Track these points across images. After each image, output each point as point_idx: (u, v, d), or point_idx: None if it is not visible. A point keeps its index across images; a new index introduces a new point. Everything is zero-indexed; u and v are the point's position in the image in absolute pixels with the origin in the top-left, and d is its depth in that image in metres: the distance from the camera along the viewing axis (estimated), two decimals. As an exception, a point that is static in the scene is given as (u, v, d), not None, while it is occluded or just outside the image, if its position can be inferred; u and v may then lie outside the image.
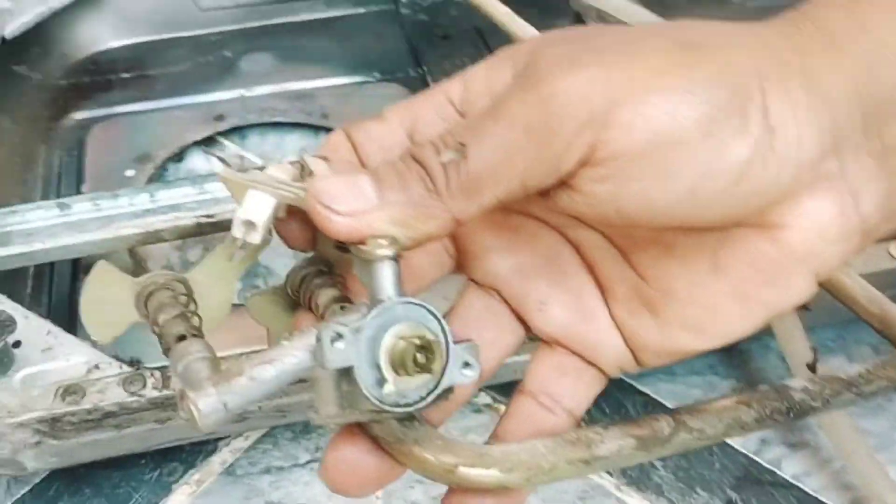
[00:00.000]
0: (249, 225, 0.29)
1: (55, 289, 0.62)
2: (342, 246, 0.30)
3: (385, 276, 0.27)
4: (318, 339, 0.26)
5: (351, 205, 0.27)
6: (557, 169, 0.26)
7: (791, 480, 0.52)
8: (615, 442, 0.29)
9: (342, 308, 0.31)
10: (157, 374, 0.47)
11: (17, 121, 0.71)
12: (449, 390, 0.28)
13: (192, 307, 0.31)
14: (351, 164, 0.31)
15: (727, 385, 0.57)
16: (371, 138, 0.31)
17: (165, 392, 0.47)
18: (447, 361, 0.27)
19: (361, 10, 0.85)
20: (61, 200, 0.59)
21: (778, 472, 0.53)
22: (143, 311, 0.31)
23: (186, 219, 0.58)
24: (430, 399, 0.27)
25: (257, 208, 0.29)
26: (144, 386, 0.47)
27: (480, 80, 0.30)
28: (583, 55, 0.27)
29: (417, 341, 0.26)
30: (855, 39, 0.27)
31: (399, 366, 0.26)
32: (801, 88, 0.27)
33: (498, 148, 0.26)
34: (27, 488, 0.53)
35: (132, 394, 0.46)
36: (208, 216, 0.58)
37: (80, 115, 0.75)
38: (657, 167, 0.26)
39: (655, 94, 0.26)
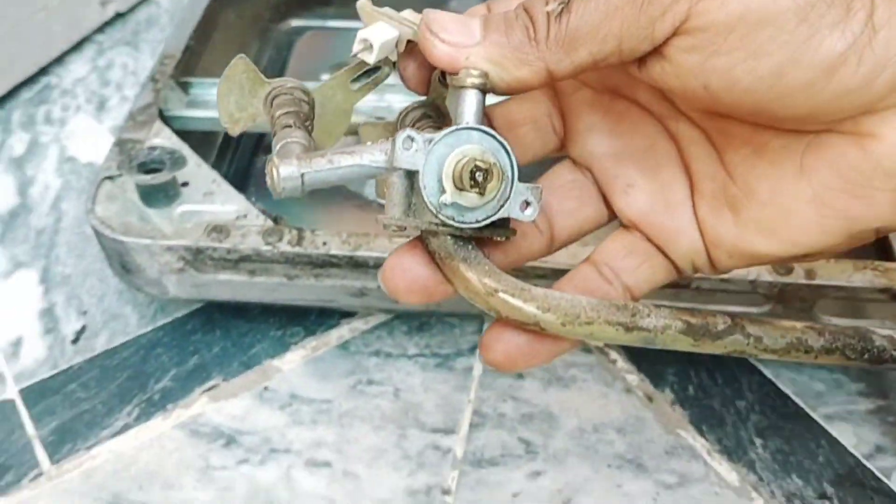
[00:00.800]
0: (367, 44, 0.31)
1: (237, 158, 0.68)
2: (444, 81, 0.32)
3: (468, 103, 0.29)
4: (393, 141, 0.29)
5: (456, 37, 0.29)
6: (652, 34, 0.27)
7: (898, 493, 0.49)
8: (662, 319, 0.29)
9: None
10: (295, 232, 0.51)
11: (242, 16, 0.78)
12: (509, 229, 0.30)
13: (309, 115, 0.34)
14: None
15: (855, 388, 0.54)
16: (507, 5, 0.32)
17: (298, 249, 0.50)
18: (509, 194, 0.28)
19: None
20: (257, 81, 0.65)
21: (886, 480, 0.50)
22: (268, 108, 0.34)
23: (358, 116, 0.62)
24: (484, 222, 0.29)
25: (378, 33, 0.31)
26: (280, 239, 0.51)
27: None
28: None
29: (480, 163, 0.28)
30: None
31: (458, 180, 0.28)
32: None
33: (600, 6, 0.27)
34: (169, 319, 0.58)
35: (268, 243, 0.51)
36: (380, 118, 0.62)
37: (295, 23, 0.81)
38: (745, 44, 0.26)
39: None
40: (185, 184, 0.55)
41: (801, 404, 0.53)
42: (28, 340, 0.57)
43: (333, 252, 0.51)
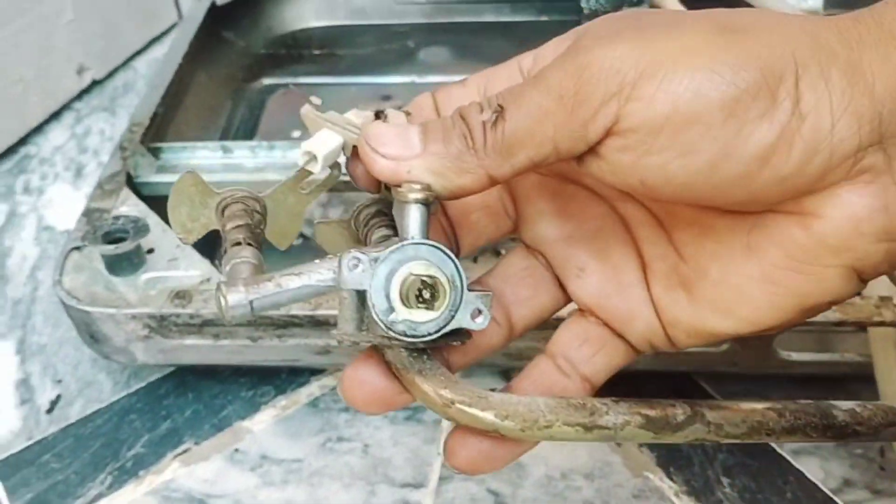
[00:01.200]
0: (311, 156, 0.32)
1: (207, 221, 0.69)
2: (389, 188, 0.32)
3: (413, 217, 0.29)
4: (339, 262, 0.29)
5: (395, 150, 0.29)
6: (585, 136, 0.27)
7: (869, 528, 0.49)
8: (621, 416, 0.29)
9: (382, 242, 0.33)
10: (256, 294, 0.52)
11: (213, 77, 0.79)
12: (463, 334, 0.31)
13: (261, 223, 0.34)
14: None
15: None
16: (451, 99, 0.33)
17: (259, 311, 0.51)
18: (459, 304, 0.29)
19: (545, 18, 0.88)
20: (225, 143, 0.66)
21: (855, 515, 0.50)
22: (219, 218, 0.34)
23: (325, 173, 0.62)
24: (436, 336, 0.29)
25: (322, 143, 0.32)
26: (242, 302, 0.51)
27: (549, 52, 0.32)
28: (625, 31, 0.28)
29: (426, 279, 0.28)
30: None
31: (406, 298, 0.28)
32: (842, 78, 0.26)
33: (532, 112, 0.28)
34: (142, 384, 0.59)
35: (230, 307, 0.51)
36: (345, 173, 0.63)
37: (267, 81, 0.83)
38: (675, 142, 0.26)
39: (681, 72, 0.26)
40: (150, 250, 0.56)
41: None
42: (3, 412, 0.58)
43: (294, 312, 0.51)
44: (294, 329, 0.52)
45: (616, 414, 0.29)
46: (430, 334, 0.29)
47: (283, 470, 0.53)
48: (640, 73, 0.26)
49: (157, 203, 0.61)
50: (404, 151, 0.29)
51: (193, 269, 0.54)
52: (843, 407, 0.31)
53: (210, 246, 0.66)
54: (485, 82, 0.33)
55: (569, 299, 0.34)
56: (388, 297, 0.28)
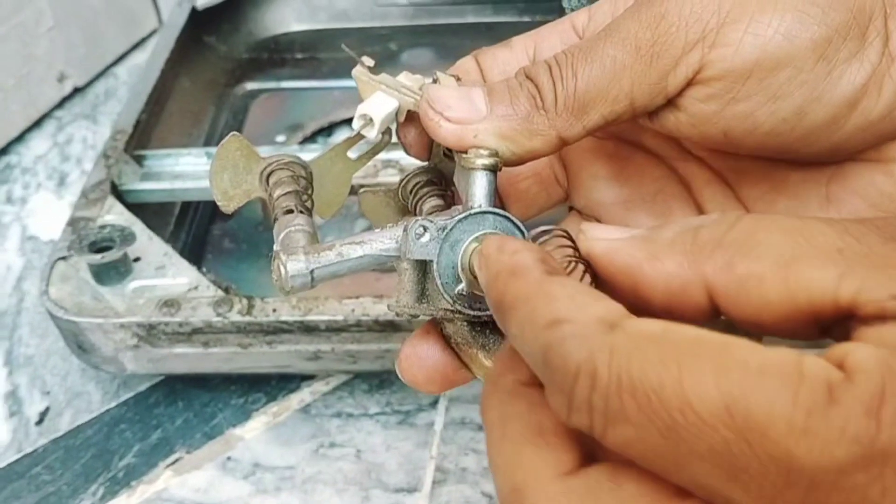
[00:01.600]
0: (367, 119, 0.30)
1: (194, 227, 0.68)
2: (449, 154, 0.31)
3: (480, 185, 0.28)
4: (405, 230, 0.28)
5: (460, 113, 0.27)
6: (665, 88, 0.26)
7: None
8: None
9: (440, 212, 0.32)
10: (245, 300, 0.52)
11: (196, 83, 0.79)
12: None
13: (308, 190, 0.32)
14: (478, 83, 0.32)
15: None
16: (497, 62, 0.32)
17: (249, 318, 0.51)
18: None
19: (527, 18, 0.88)
20: (209, 149, 0.66)
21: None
22: (264, 185, 0.32)
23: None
24: None
25: (378, 106, 0.30)
26: (231, 309, 0.51)
27: (606, 8, 0.30)
28: None
29: None
30: None
31: (473, 269, 0.27)
32: None
33: (607, 66, 0.26)
34: (132, 394, 0.59)
35: (219, 314, 0.51)
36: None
37: (250, 86, 0.82)
38: (764, 88, 0.25)
39: (769, 14, 0.25)
40: (137, 259, 0.55)
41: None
42: (-8, 425, 0.58)
43: (284, 318, 0.51)
44: (284, 335, 0.52)
45: None
46: None
47: (276, 477, 0.53)
48: (724, 17, 0.25)
49: (143, 211, 0.61)
50: (470, 114, 0.27)
51: (181, 277, 0.54)
52: None
53: (197, 253, 0.66)
54: (534, 43, 0.31)
55: None
56: (455, 269, 0.27)
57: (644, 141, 0.32)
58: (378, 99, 0.30)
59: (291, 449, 0.54)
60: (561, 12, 0.87)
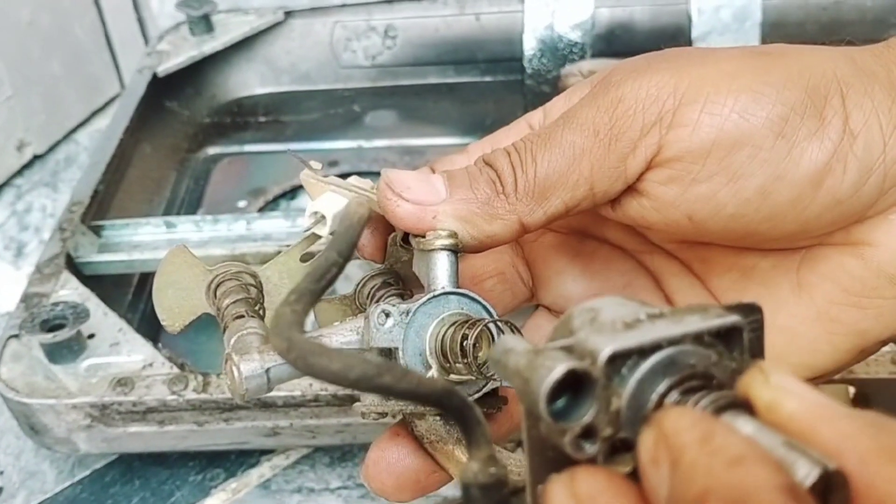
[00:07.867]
0: (319, 217, 0.30)
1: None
2: (406, 245, 0.30)
3: (441, 266, 0.27)
4: (366, 317, 0.26)
5: (420, 195, 0.27)
6: (625, 171, 0.26)
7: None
8: None
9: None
10: (200, 377, 0.51)
11: (157, 149, 0.78)
12: (499, 400, 0.28)
13: (260, 299, 0.31)
14: None
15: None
16: (455, 168, 0.31)
17: (204, 395, 0.50)
18: None
19: (488, 79, 0.88)
20: (168, 219, 0.65)
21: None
22: (212, 298, 0.31)
23: (272, 247, 0.62)
24: (475, 396, 0.26)
25: (329, 204, 0.30)
26: (186, 387, 0.50)
27: (560, 104, 0.30)
28: (656, 64, 0.27)
29: (467, 331, 0.26)
30: None
31: (444, 354, 0.26)
32: (886, 97, 0.25)
33: (566, 151, 0.26)
34: (88, 472, 0.57)
35: (174, 392, 0.50)
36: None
37: (212, 150, 0.82)
38: (724, 167, 0.25)
39: (723, 94, 0.25)
40: (91, 336, 0.54)
41: None
42: (-59, 509, 0.56)
43: (241, 395, 0.50)
44: (241, 412, 0.51)
45: None
46: (468, 396, 0.26)
47: (234, 558, 0.52)
48: (680, 98, 0.25)
49: (100, 282, 0.60)
50: (430, 196, 0.27)
51: (136, 354, 0.53)
52: None
53: (155, 325, 0.65)
54: (490, 147, 0.31)
55: None
56: (420, 354, 0.26)
57: (609, 235, 0.32)
58: (328, 197, 0.30)
59: (250, 528, 0.53)
60: (522, 72, 0.87)
